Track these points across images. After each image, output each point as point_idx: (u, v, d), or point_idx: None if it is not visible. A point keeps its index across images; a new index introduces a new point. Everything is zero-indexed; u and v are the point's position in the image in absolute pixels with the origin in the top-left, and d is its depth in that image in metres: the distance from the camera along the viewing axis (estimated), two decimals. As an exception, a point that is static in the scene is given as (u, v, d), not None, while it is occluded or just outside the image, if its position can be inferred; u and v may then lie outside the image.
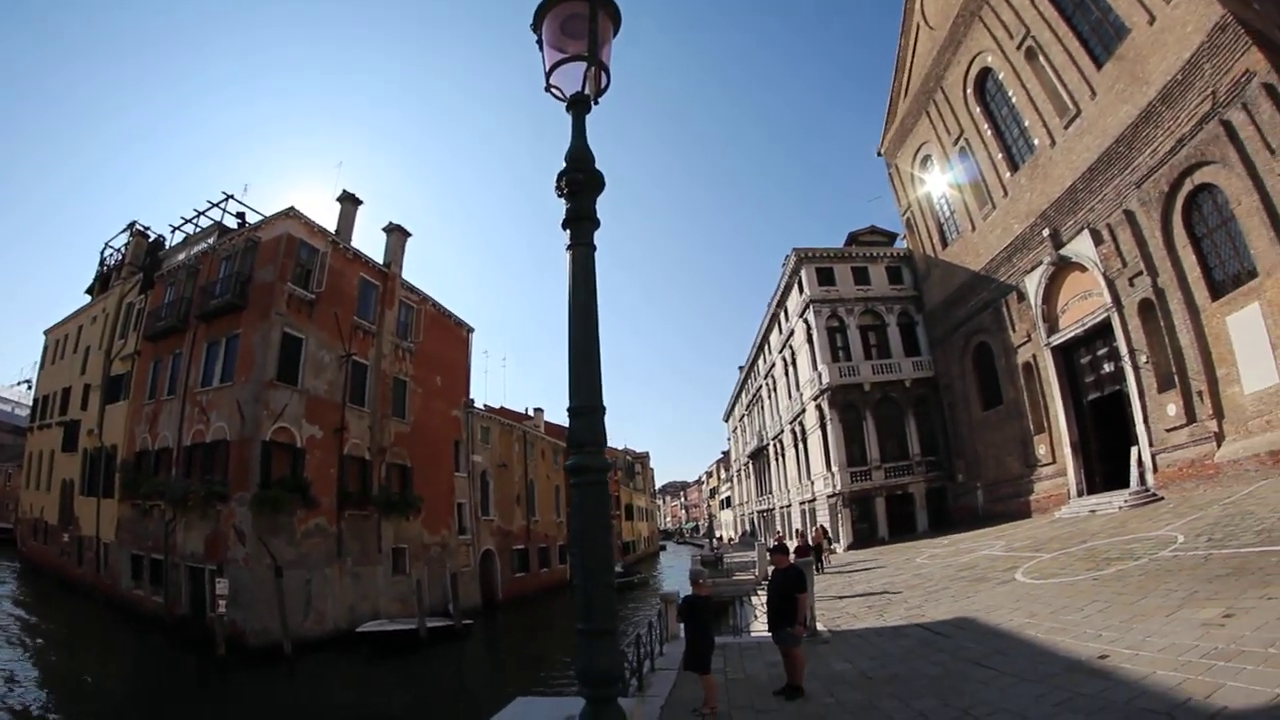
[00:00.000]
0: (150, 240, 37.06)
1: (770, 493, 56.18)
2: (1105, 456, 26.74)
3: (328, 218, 31.49)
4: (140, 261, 35.72)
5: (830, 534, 38.90)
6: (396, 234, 35.81)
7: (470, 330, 42.51)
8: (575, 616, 3.49)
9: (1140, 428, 23.64)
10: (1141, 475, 23.34)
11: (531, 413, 57.72)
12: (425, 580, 30.35)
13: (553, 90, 4.15)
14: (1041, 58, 26.56)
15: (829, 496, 37.21)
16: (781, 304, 45.58)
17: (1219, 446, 20.33)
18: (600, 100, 4.20)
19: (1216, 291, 20.74)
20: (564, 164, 4.04)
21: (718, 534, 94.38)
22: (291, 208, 28.43)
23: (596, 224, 4.00)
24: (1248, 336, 19.41)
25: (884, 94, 40.67)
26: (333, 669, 22.88)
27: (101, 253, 41.33)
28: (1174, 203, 21.58)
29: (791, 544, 27.80)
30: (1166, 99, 20.98)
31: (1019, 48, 27.64)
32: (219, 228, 32.57)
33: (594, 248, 3.97)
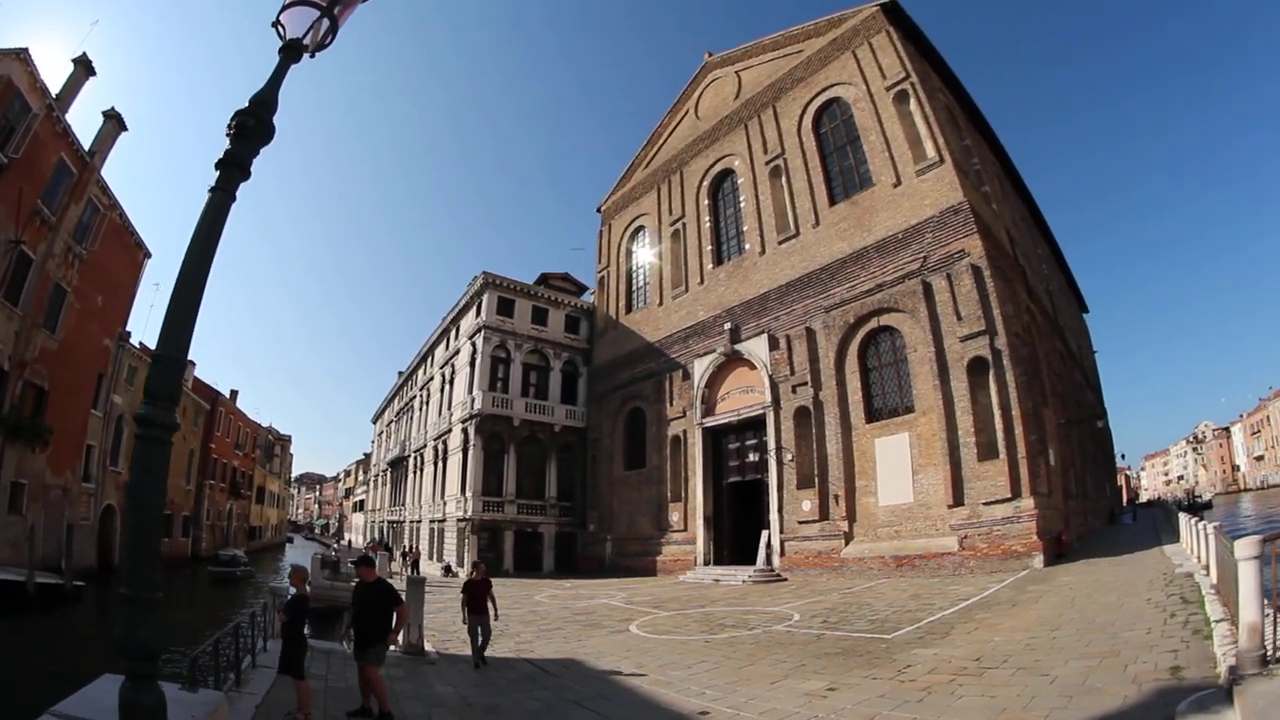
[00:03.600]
0: None
1: (404, 505, 52.63)
2: (737, 534, 29.18)
3: (53, 78, 26.68)
4: None
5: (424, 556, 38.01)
6: (114, 123, 30.37)
7: (148, 255, 36.36)
8: (120, 581, 3.30)
9: (774, 515, 26.11)
10: (769, 557, 25.64)
11: None
12: (41, 527, 26.55)
13: (279, 26, 3.99)
14: (784, 179, 29.43)
15: (459, 520, 35.36)
16: (456, 321, 43.56)
17: (847, 544, 23.16)
18: (315, 57, 4.12)
19: (873, 416, 24.04)
20: (246, 104, 3.94)
21: (347, 536, 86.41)
22: (25, 49, 24.10)
23: (246, 176, 3.90)
24: (893, 459, 22.65)
25: (628, 155, 41.83)
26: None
27: None
28: (855, 334, 24.84)
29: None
30: (881, 249, 24.32)
31: (768, 164, 30.30)
32: (-59, 37, 24.46)
33: (234, 198, 3.86)
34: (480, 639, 12.03)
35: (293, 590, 8.82)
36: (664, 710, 8.59)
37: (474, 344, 38.37)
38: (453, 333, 44.33)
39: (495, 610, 12.36)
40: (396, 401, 65.10)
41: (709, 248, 33.41)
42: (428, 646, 13.17)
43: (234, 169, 3.82)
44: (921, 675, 9.06)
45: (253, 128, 3.86)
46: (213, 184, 3.81)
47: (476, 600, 12.12)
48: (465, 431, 37.13)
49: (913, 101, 24.64)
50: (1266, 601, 6.81)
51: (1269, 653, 6.54)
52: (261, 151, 4.09)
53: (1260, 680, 6.18)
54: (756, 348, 28.51)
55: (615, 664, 11.58)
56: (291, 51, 3.97)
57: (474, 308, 39.90)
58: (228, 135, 3.87)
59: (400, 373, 64.49)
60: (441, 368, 45.39)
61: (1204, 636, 8.49)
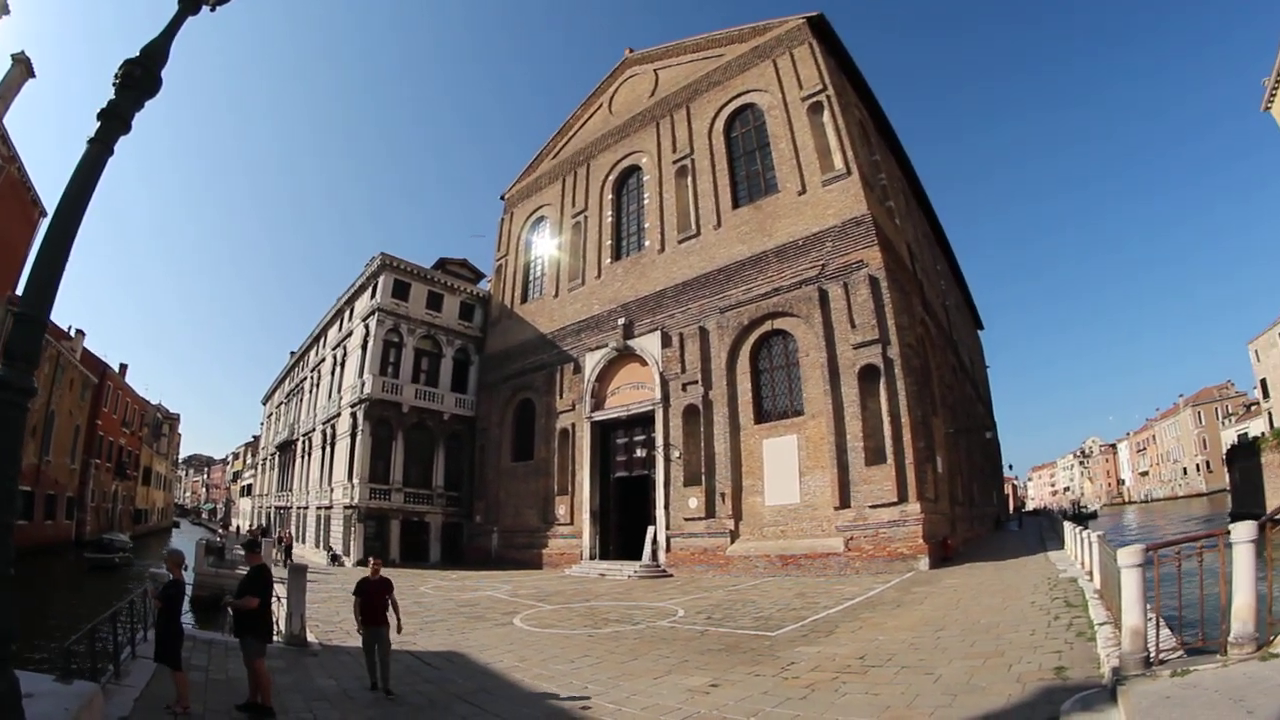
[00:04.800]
0: None
1: (291, 490, 49.54)
2: (623, 529, 28.86)
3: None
4: None
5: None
6: (21, 67, 26.92)
7: (43, 214, 32.69)
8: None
9: (661, 511, 26.01)
10: (655, 552, 25.49)
11: (72, 333, 46.57)
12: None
13: None
14: (691, 179, 29.41)
15: (346, 507, 33.57)
16: (351, 302, 41.48)
17: (733, 542, 23.27)
18: (216, 10, 4.07)
19: (762, 417, 24.27)
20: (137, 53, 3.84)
21: (235, 522, 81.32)
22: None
23: (125, 130, 3.75)
24: (781, 460, 22.92)
25: (537, 143, 41.00)
26: None
27: None
28: (748, 336, 25.04)
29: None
30: (781, 254, 24.61)
31: (675, 163, 30.23)
32: None
33: (111, 152, 3.71)
34: (379, 660, 9.04)
35: (169, 575, 8.20)
36: (546, 705, 8.42)
37: (367, 326, 36.72)
38: (347, 314, 42.25)
39: (399, 620, 9.46)
40: (287, 382, 61.61)
41: (609, 242, 33.00)
42: (310, 637, 12.55)
43: (115, 121, 3.64)
44: (805, 673, 9.03)
45: (139, 78, 3.71)
46: (91, 135, 3.62)
47: (373, 605, 9.21)
48: (354, 416, 35.43)
49: (826, 113, 25.07)
50: (1149, 606, 7.03)
51: (1152, 655, 6.71)
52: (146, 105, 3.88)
53: (1144, 681, 6.31)
54: (649, 344, 28.35)
55: (498, 657, 11.30)
56: (190, 2, 3.88)
57: (369, 289, 38.16)
58: (113, 85, 3.70)
59: (293, 352, 61.09)
60: (333, 349, 43.24)
61: (1087, 638, 8.74)
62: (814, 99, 25.42)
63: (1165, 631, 7.25)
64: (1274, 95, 26.91)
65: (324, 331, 47.93)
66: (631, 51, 36.55)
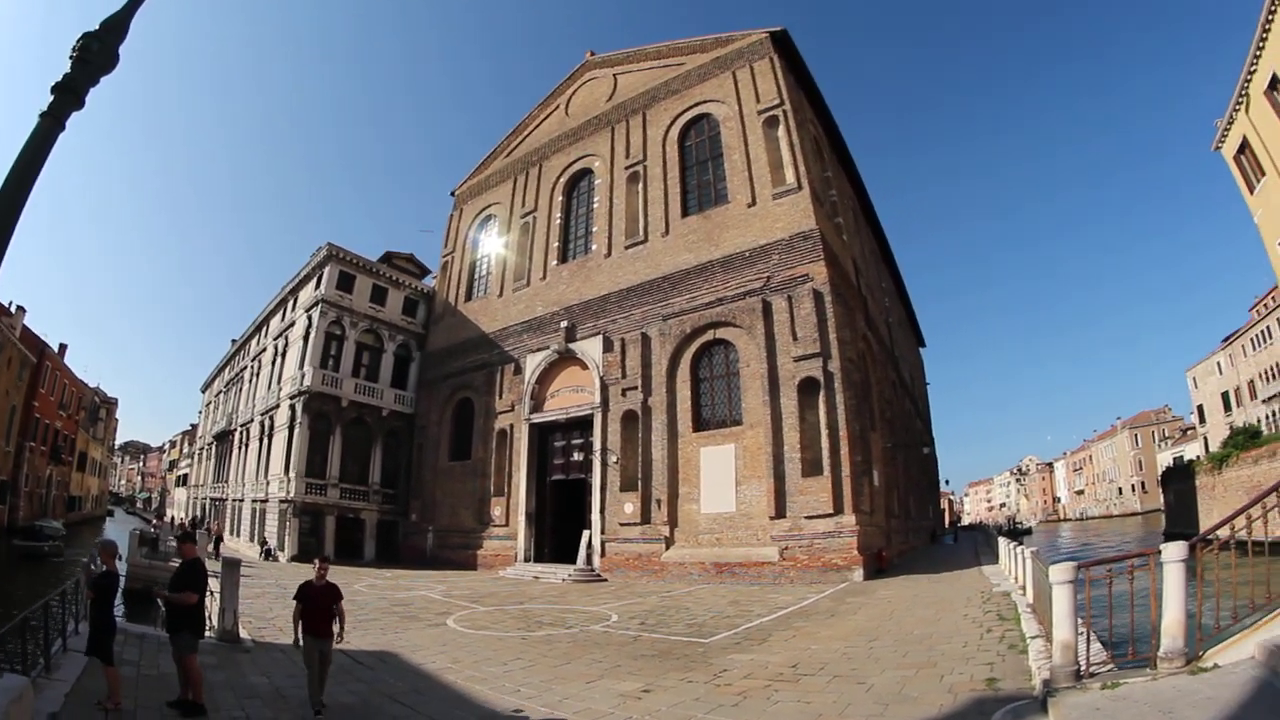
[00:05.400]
0: None
1: (227, 482, 47.37)
2: (558, 532, 28.49)
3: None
4: None
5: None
6: None
7: None
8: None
9: (596, 515, 25.73)
10: (590, 556, 25.19)
11: (13, 309, 44.66)
12: None
13: None
14: (642, 185, 29.28)
15: (281, 501, 32.33)
16: (295, 292, 40.12)
17: (668, 548, 23.13)
18: None
19: (701, 425, 24.24)
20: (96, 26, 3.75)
21: (170, 512, 77.14)
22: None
23: (79, 105, 3.68)
24: (718, 469, 22.91)
25: (491, 141, 40.46)
26: None
27: None
28: (690, 344, 25.03)
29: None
30: (727, 264, 24.67)
31: (627, 169, 30.04)
32: None
33: (63, 128, 3.61)
34: (321, 673, 7.93)
35: (102, 566, 7.94)
36: (478, 707, 8.31)
37: (310, 317, 35.52)
38: (290, 303, 40.81)
39: (342, 630, 8.34)
40: (227, 371, 59.27)
41: (556, 244, 32.66)
42: (243, 634, 12.28)
43: (68, 95, 3.51)
44: (738, 680, 9.01)
45: (96, 53, 3.62)
46: (43, 109, 3.53)
47: (317, 613, 8.07)
48: (293, 408, 34.14)
49: (781, 128, 25.24)
50: (1080, 620, 7.12)
51: (1083, 668, 6.79)
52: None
53: (1074, 693, 6.38)
54: (590, 348, 28.13)
55: (431, 658, 11.18)
56: (148, -17, 3.77)
57: (314, 279, 36.99)
58: (70, 59, 3.63)
59: (234, 340, 58.80)
60: (275, 339, 41.69)
61: (1019, 651, 8.83)
62: (770, 113, 25.57)
63: (1096, 645, 7.37)
64: (1225, 136, 28.15)
65: (266, 320, 46.24)
66: (592, 54, 36.27)
